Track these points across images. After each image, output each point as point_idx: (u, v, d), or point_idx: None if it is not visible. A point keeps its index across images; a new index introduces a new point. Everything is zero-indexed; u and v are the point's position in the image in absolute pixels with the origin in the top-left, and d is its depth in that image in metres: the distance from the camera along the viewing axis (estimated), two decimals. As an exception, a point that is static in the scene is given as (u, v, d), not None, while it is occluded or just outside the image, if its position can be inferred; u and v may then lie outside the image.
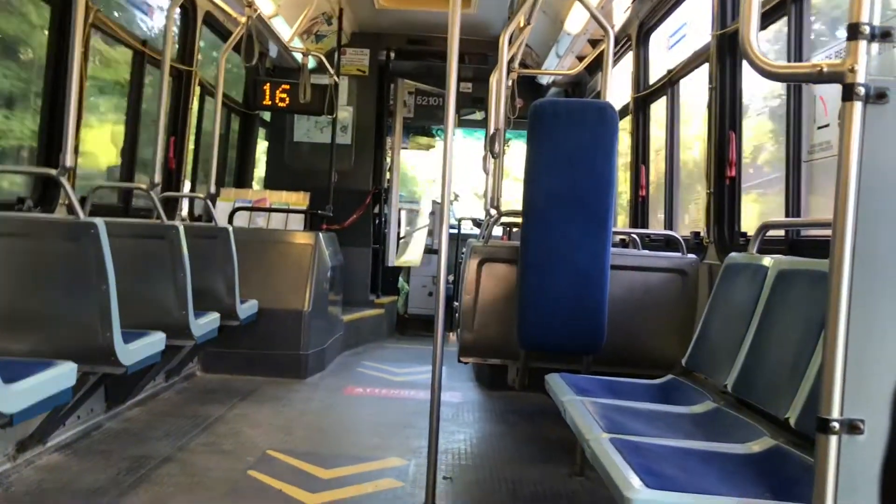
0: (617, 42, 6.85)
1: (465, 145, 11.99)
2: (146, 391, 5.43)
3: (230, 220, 7.25)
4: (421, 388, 6.42)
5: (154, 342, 4.36)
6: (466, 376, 7.09)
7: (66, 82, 3.80)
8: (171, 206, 6.66)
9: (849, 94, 1.72)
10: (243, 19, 6.55)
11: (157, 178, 5.11)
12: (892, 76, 1.78)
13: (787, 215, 4.20)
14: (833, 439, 1.73)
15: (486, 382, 6.65)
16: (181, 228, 4.86)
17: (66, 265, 3.74)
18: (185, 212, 7.17)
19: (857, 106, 1.71)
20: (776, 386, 2.93)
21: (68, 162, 3.75)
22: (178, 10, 6.32)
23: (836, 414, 1.73)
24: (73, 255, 3.70)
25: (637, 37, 6.97)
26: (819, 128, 3.95)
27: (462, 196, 11.36)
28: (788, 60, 4.14)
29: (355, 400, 6.10)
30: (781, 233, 4.22)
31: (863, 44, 1.70)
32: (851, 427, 1.74)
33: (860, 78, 1.71)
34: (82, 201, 4.72)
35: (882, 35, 1.68)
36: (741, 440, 2.87)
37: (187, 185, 7.17)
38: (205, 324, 5.23)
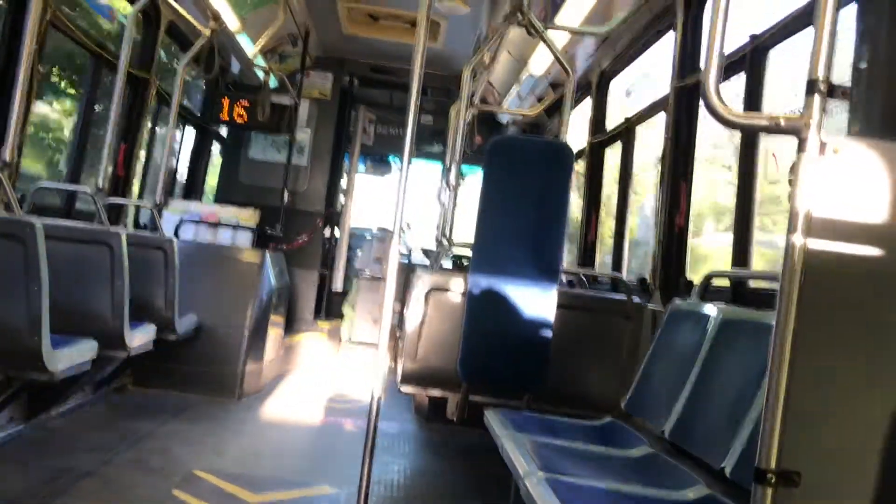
0: (577, 87, 6.95)
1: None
2: (73, 401, 5.23)
3: (176, 232, 7.10)
4: (358, 416, 6.32)
5: (85, 350, 4.20)
6: (405, 406, 7.00)
7: (15, 77, 3.70)
8: (117, 212, 6.50)
9: (802, 146, 1.74)
10: (207, 31, 6.49)
11: (103, 182, 4.98)
12: (843, 133, 1.81)
13: (733, 265, 4.26)
14: (769, 491, 1.72)
15: (424, 414, 6.58)
16: (123, 236, 4.73)
17: None
18: (130, 220, 7.00)
19: (810, 159, 1.74)
20: (713, 434, 2.94)
21: (7, 157, 3.63)
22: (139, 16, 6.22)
23: (773, 465, 1.72)
24: (6, 254, 3.56)
25: (597, 83, 7.09)
26: (770, 183, 4.04)
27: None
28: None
29: (291, 423, 5.97)
30: (726, 282, 4.27)
31: (818, 99, 1.72)
32: (788, 480, 1.73)
33: (814, 132, 1.73)
34: (21, 200, 4.57)
35: (839, 92, 1.71)
36: (676, 487, 2.87)
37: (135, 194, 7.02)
38: (140, 335, 5.07)
